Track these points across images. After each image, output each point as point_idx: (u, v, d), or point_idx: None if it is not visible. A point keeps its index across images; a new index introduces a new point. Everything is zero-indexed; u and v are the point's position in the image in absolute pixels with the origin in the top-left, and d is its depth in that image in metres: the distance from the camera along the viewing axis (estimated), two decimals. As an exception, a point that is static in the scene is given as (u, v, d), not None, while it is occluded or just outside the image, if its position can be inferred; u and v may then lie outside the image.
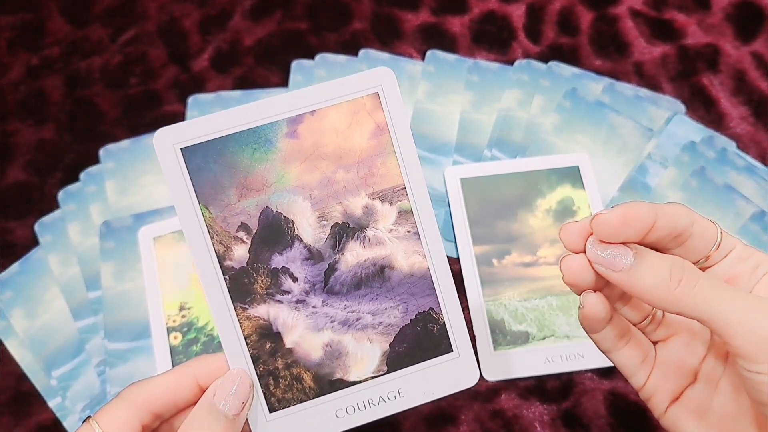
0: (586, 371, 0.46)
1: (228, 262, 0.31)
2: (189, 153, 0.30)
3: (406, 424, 0.45)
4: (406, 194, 0.32)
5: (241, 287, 0.31)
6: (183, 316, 0.46)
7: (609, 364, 0.46)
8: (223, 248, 0.31)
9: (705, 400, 0.30)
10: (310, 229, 0.32)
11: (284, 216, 0.31)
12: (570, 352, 0.46)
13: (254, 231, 0.31)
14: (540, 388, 0.46)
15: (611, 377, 0.46)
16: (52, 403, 0.46)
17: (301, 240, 0.32)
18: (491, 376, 0.45)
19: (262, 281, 0.32)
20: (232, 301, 0.31)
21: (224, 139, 0.31)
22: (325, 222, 0.32)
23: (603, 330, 0.31)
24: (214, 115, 0.30)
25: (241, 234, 0.31)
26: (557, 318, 0.47)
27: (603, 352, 0.32)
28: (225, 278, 0.31)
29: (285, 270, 0.32)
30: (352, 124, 0.31)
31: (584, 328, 0.31)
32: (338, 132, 0.31)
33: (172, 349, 0.46)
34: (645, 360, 0.32)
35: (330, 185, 0.32)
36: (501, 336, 0.46)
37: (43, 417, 0.46)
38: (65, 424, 0.45)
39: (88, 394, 0.46)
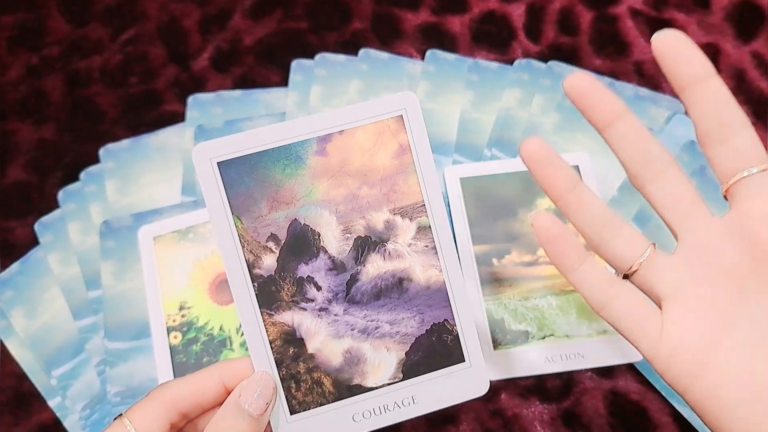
0: (586, 371, 0.46)
1: (257, 270, 0.33)
2: (225, 167, 0.33)
3: (407, 424, 0.45)
4: (425, 211, 0.34)
5: (269, 294, 0.33)
6: (183, 316, 0.46)
7: (609, 363, 0.46)
8: (253, 257, 0.33)
9: (747, 364, 0.29)
10: (334, 241, 0.34)
11: (311, 228, 0.34)
12: (570, 352, 0.46)
13: (283, 242, 0.34)
14: (540, 387, 0.46)
15: (611, 377, 0.46)
16: (53, 403, 0.46)
17: (326, 251, 0.34)
18: (491, 376, 0.45)
19: (288, 289, 0.34)
20: (260, 307, 0.33)
21: (258, 155, 0.33)
22: (348, 235, 0.34)
23: (584, 265, 0.31)
24: (250, 132, 0.33)
25: (271, 244, 0.33)
26: (557, 317, 0.47)
27: (597, 312, 0.31)
28: (254, 285, 0.33)
29: (310, 279, 0.34)
30: (377, 144, 0.34)
31: (558, 264, 0.31)
32: (364, 151, 0.34)
33: (171, 348, 0.46)
34: (648, 316, 0.31)
35: (355, 200, 0.34)
36: (501, 335, 0.46)
37: (44, 416, 0.46)
38: (65, 423, 0.46)
39: (88, 394, 0.46)
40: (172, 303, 0.47)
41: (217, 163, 0.33)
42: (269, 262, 0.33)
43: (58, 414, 0.46)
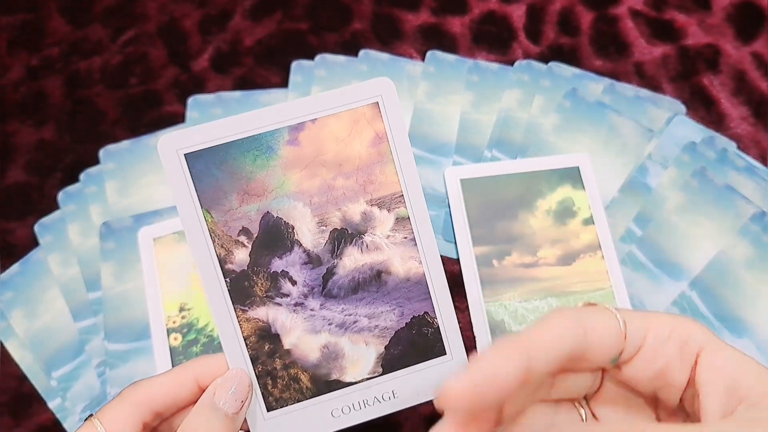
0: (587, 372, 0.46)
1: (229, 266, 0.32)
2: (192, 159, 0.32)
3: (406, 425, 0.45)
4: (404, 201, 0.33)
5: (242, 290, 0.32)
6: (183, 317, 0.46)
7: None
8: (225, 252, 0.32)
9: None
10: (309, 234, 0.33)
11: (284, 221, 0.33)
12: (570, 353, 0.46)
13: (255, 235, 0.33)
14: (540, 388, 0.46)
15: (611, 378, 0.46)
16: (52, 404, 0.46)
17: (301, 245, 0.33)
18: (491, 377, 0.45)
19: (262, 284, 0.33)
20: (233, 303, 0.32)
21: (227, 146, 0.32)
22: (324, 227, 0.33)
23: None
24: (217, 122, 0.32)
25: (242, 238, 0.32)
26: (557, 319, 0.47)
27: None
28: (226, 281, 0.32)
29: (284, 274, 0.33)
30: (352, 133, 0.33)
31: None
32: (338, 140, 0.33)
33: (172, 350, 0.46)
34: None
35: (329, 192, 0.33)
36: (501, 337, 0.46)
37: (43, 418, 0.46)
38: (65, 424, 0.46)
39: (88, 395, 0.46)
40: (173, 304, 0.47)
41: (184, 154, 0.31)
42: (241, 256, 0.32)
43: (58, 415, 0.46)
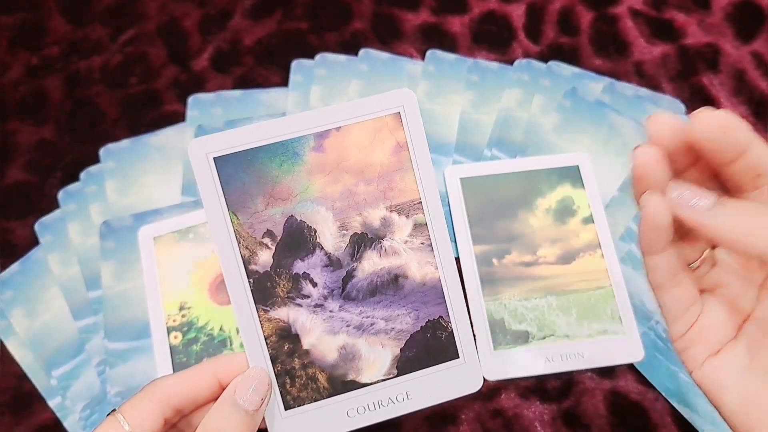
0: (586, 371, 0.46)
1: (253, 266, 0.33)
2: (221, 162, 0.33)
3: (407, 424, 0.45)
4: (422, 208, 0.34)
5: (264, 290, 0.33)
6: (183, 316, 0.46)
7: (609, 363, 0.46)
8: (249, 253, 0.33)
9: (747, 357, 0.30)
10: (330, 238, 0.34)
11: (307, 224, 0.34)
12: (570, 352, 0.46)
13: (279, 238, 0.33)
14: (540, 387, 0.46)
15: (611, 377, 0.46)
16: (53, 403, 0.46)
17: (322, 248, 0.34)
18: (491, 376, 0.45)
19: (283, 285, 0.34)
20: (255, 303, 0.33)
21: (254, 150, 0.33)
22: (345, 231, 0.34)
23: (663, 254, 0.30)
24: (246, 128, 0.33)
25: (267, 240, 0.33)
26: (557, 318, 0.47)
27: (653, 288, 0.31)
28: (249, 281, 0.33)
29: (306, 275, 0.34)
30: (374, 141, 0.34)
31: (643, 244, 0.30)
32: (361, 148, 0.34)
33: (172, 348, 0.46)
34: (693, 306, 0.31)
35: (351, 197, 0.34)
36: (501, 336, 0.46)
37: (44, 417, 0.46)
38: (65, 423, 0.46)
39: (88, 394, 0.46)
40: (172, 303, 0.47)
41: (213, 158, 0.32)
42: (265, 258, 0.33)
43: (58, 414, 0.46)
